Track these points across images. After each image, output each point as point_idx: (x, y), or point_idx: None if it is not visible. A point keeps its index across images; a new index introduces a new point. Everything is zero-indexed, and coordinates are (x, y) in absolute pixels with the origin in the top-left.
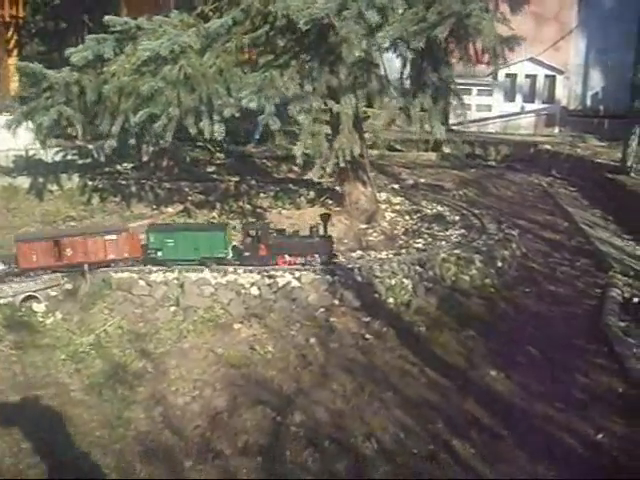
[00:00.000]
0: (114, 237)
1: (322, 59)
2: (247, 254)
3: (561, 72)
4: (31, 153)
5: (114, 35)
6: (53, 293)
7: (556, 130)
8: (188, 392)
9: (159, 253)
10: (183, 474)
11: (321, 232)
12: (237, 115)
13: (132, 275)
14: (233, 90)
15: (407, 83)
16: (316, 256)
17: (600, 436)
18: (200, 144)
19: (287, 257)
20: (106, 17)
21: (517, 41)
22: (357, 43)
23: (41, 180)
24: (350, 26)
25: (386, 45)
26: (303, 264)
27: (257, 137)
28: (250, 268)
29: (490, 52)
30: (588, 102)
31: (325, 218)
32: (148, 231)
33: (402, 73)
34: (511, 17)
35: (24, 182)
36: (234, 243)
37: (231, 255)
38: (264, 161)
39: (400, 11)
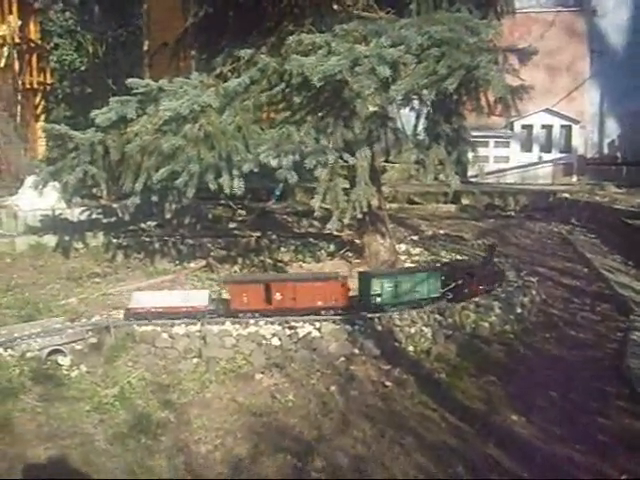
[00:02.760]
0: (323, 284)
1: (337, 114)
2: (466, 290)
3: (577, 122)
4: (57, 212)
5: (137, 97)
6: (78, 347)
7: (574, 179)
8: (210, 441)
9: (378, 299)
10: None
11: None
12: (256, 171)
13: (155, 328)
14: (251, 146)
15: (421, 135)
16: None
17: (624, 477)
18: (222, 202)
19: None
20: (129, 80)
21: (526, 91)
22: (371, 98)
23: (67, 238)
24: (363, 81)
25: (399, 98)
26: (487, 291)
27: (278, 194)
28: (271, 320)
29: (501, 103)
30: (605, 150)
31: (491, 249)
32: (368, 278)
33: (416, 126)
34: (525, 70)
35: (50, 240)
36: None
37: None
38: (285, 217)
39: (412, 66)
